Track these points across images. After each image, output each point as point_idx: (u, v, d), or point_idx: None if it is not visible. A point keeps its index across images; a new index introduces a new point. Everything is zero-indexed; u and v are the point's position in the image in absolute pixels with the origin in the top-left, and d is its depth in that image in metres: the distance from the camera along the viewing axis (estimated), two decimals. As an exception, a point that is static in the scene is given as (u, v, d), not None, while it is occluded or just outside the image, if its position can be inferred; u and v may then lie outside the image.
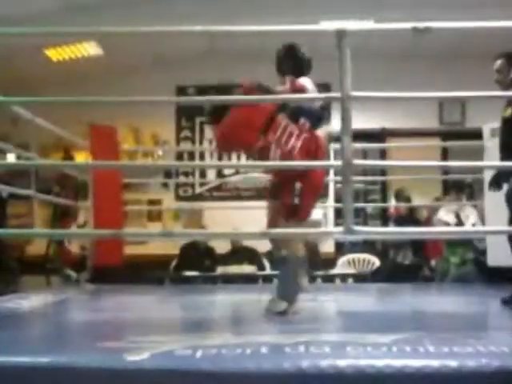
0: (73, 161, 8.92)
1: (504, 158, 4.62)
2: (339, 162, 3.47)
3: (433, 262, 7.68)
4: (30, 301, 4.90)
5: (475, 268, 7.00)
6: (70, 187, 7.98)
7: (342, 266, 8.22)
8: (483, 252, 6.82)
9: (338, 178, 4.56)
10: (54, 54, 8.80)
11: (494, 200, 6.18)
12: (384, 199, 9.66)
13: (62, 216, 8.02)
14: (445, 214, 7.25)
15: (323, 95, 3.79)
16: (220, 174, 9.76)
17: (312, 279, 7.06)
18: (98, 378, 2.35)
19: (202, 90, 9.57)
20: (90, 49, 8.78)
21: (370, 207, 9.74)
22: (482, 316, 4.25)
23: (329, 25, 4.21)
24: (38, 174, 6.00)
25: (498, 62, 4.76)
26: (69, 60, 8.99)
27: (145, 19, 7.20)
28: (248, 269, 7.51)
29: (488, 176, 6.24)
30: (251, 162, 5.24)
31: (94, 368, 2.36)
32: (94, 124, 6.65)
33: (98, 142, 6.49)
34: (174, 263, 8.28)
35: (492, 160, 6.17)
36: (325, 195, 4.53)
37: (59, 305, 5.12)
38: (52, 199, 7.12)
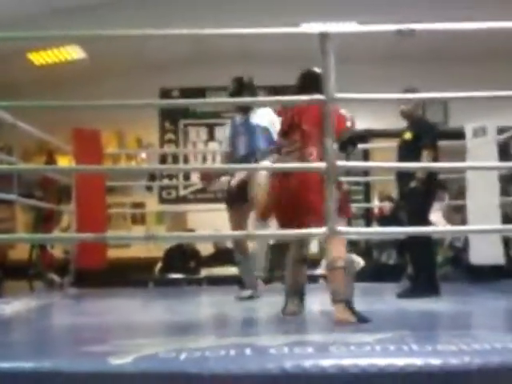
0: (56, 165, 8.88)
1: (400, 175, 5.38)
2: (323, 164, 3.49)
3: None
4: (13, 306, 4.86)
5: (453, 267, 7.05)
6: (52, 191, 7.94)
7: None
8: (460, 250, 6.87)
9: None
10: (37, 57, 8.76)
11: (476, 200, 6.24)
12: (367, 199, 9.69)
13: (44, 220, 7.98)
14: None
15: (307, 97, 3.79)
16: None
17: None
18: (83, 383, 2.34)
19: (186, 93, 9.56)
20: (73, 52, 8.75)
21: (353, 207, 9.76)
22: (464, 314, 4.28)
23: (310, 27, 4.23)
24: (21, 178, 5.97)
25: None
26: (52, 64, 8.95)
27: (128, 22, 7.19)
28: (232, 271, 7.50)
29: (471, 175, 6.31)
30: (234, 165, 5.29)
31: (79, 372, 2.35)
32: (77, 127, 6.62)
33: (81, 145, 6.47)
34: (158, 266, 8.27)
35: (474, 159, 6.22)
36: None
37: (43, 309, 5.10)
38: (35, 203, 7.08)
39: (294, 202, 3.92)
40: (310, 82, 3.96)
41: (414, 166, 4.97)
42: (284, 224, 4.06)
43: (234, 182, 5.20)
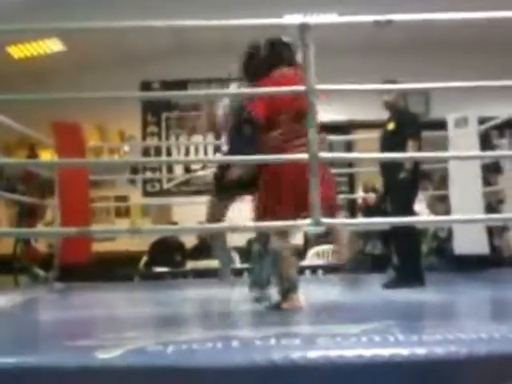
0: (38, 159, 8.83)
1: (385, 166, 5.47)
2: (305, 155, 3.49)
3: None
4: (-2, 301, 4.85)
5: (438, 257, 7.09)
6: (35, 185, 7.89)
7: (311, 258, 8.24)
8: (444, 240, 6.91)
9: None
10: (16, 51, 8.69)
11: (459, 190, 6.27)
12: (351, 190, 9.71)
13: (28, 214, 7.94)
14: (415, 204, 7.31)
15: (288, 89, 3.79)
16: (187, 169, 9.74)
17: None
18: (70, 378, 2.33)
19: (168, 85, 9.53)
20: (53, 45, 8.69)
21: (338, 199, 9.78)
22: (450, 304, 4.31)
23: (292, 18, 4.22)
24: (3, 173, 5.93)
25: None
26: (31, 57, 8.88)
27: (109, 14, 7.14)
28: (217, 263, 7.49)
29: (453, 166, 6.34)
30: (218, 157, 5.26)
31: (65, 367, 2.34)
32: (57, 121, 6.56)
33: (62, 139, 6.42)
34: (144, 259, 8.25)
35: (456, 149, 6.25)
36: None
37: (28, 304, 5.08)
38: (18, 198, 7.03)
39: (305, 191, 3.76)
40: (281, 52, 3.94)
41: (399, 157, 4.99)
42: (287, 214, 3.82)
43: (235, 173, 4.79)
